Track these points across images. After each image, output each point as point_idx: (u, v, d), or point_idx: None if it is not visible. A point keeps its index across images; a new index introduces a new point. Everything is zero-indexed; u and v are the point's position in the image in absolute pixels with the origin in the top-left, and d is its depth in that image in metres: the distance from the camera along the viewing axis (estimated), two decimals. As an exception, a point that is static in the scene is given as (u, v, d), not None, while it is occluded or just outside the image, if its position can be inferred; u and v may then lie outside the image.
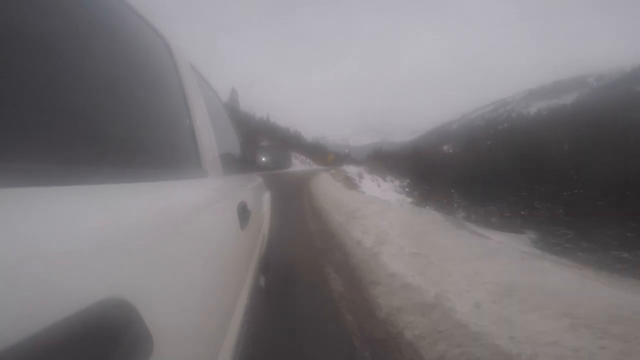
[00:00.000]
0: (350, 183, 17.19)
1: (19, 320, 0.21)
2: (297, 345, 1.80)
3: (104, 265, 0.31)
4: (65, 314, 0.24)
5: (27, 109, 0.30)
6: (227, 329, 0.72)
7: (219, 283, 0.70)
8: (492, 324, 1.88)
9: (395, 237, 3.79)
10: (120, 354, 0.28)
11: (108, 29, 0.52)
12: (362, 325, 2.05)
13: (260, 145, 1.73)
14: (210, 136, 0.98)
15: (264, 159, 1.85)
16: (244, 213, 1.12)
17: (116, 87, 0.51)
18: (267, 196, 2.46)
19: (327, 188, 11.59)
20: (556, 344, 1.65)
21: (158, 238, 0.44)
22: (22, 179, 0.27)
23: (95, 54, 0.46)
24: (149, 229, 0.42)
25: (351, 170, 34.35)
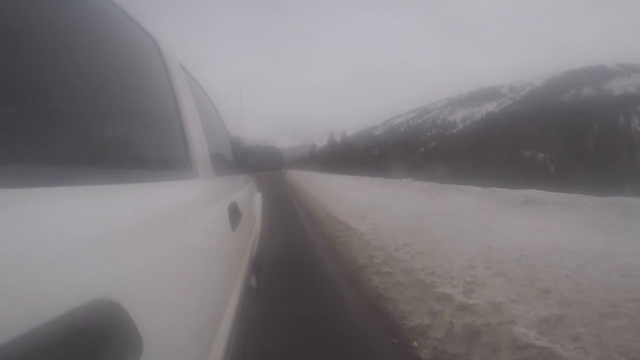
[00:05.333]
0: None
1: (6, 321, 0.21)
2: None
3: (94, 267, 0.30)
4: (53, 315, 0.23)
5: (18, 110, 0.30)
6: (218, 329, 0.71)
7: (210, 284, 0.69)
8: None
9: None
10: (109, 356, 0.28)
11: (96, 28, 0.51)
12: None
13: (251, 146, 1.73)
14: (200, 137, 0.98)
15: (255, 160, 1.84)
16: (235, 214, 1.12)
17: (104, 88, 0.50)
18: (258, 197, 2.45)
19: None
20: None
21: (148, 239, 0.43)
22: (13, 180, 0.27)
23: (84, 54, 0.46)
24: (138, 230, 0.42)
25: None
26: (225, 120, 1.87)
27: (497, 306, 1.84)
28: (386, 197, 7.13)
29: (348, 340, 1.90)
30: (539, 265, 2.35)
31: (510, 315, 1.73)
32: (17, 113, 0.30)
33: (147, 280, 0.40)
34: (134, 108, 0.61)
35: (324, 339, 1.91)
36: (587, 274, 2.12)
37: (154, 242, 0.45)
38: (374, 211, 5.35)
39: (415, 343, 1.85)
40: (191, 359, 0.52)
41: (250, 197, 1.92)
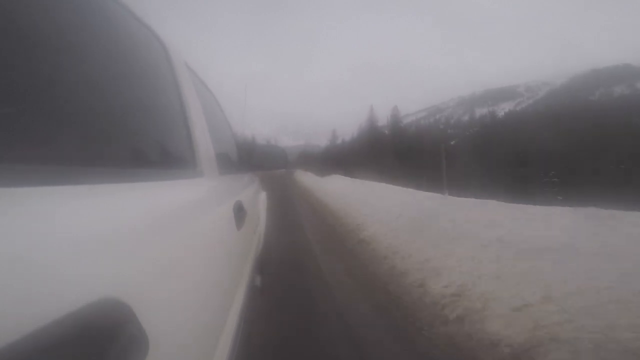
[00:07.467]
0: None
1: (13, 320, 0.21)
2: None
3: (100, 266, 0.30)
4: (60, 314, 0.24)
5: (23, 110, 0.30)
6: (223, 328, 0.72)
7: (215, 283, 0.69)
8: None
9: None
10: (115, 354, 0.28)
11: (104, 29, 0.51)
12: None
13: (256, 145, 1.73)
14: (206, 136, 0.98)
15: (260, 159, 1.85)
16: (239, 213, 1.12)
17: (112, 87, 0.51)
18: (263, 196, 2.45)
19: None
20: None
21: (153, 238, 0.43)
22: (19, 179, 0.27)
23: (92, 54, 0.46)
24: (144, 229, 0.42)
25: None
26: (229, 118, 1.87)
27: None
28: None
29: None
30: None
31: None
32: (28, 113, 0.30)
33: (152, 279, 0.40)
34: (140, 107, 0.61)
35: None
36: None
37: (159, 241, 0.45)
38: None
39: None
40: (196, 357, 0.52)
41: (254, 196, 1.92)
